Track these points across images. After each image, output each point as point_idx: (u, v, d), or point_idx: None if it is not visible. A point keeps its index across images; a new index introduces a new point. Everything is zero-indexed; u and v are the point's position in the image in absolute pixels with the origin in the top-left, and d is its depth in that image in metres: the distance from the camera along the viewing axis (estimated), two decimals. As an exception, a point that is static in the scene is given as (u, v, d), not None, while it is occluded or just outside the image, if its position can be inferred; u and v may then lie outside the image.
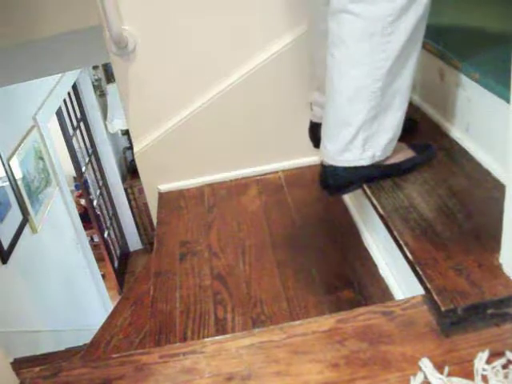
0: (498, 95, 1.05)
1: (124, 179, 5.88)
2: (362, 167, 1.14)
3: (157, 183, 1.81)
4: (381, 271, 1.30)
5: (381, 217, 1.11)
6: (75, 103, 5.04)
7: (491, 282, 0.87)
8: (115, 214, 5.92)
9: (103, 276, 5.24)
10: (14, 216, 3.28)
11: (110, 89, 5.29)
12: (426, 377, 0.79)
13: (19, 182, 3.41)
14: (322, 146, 1.17)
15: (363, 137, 1.09)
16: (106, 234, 5.52)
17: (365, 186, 1.18)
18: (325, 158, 1.16)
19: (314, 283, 1.31)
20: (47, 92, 4.02)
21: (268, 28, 1.59)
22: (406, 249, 0.99)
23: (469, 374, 0.79)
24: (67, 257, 4.22)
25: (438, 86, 1.34)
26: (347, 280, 1.29)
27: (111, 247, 5.67)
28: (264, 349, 0.90)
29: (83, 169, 5.13)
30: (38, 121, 3.79)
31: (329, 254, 1.40)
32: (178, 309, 1.29)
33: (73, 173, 5.19)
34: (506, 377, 0.77)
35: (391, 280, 1.24)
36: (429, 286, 0.89)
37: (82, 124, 5.20)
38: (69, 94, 4.76)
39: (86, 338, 2.51)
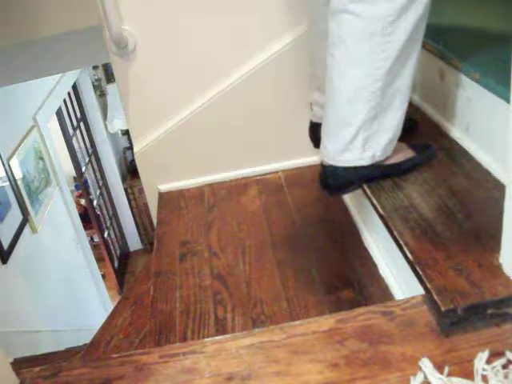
0: (498, 95, 1.05)
1: (124, 179, 5.88)
2: (362, 167, 1.14)
3: (157, 183, 1.81)
4: (381, 271, 1.30)
5: (381, 217, 1.11)
6: (75, 103, 5.04)
7: (491, 282, 0.87)
8: (115, 214, 5.92)
9: (103, 276, 5.24)
10: (14, 216, 3.28)
11: (110, 89, 5.29)
12: (426, 377, 0.79)
13: (19, 182, 3.41)
14: (322, 146, 1.17)
15: (363, 137, 1.09)
16: (106, 234, 5.52)
17: (365, 186, 1.18)
18: (325, 158, 1.16)
19: (314, 283, 1.31)
20: (47, 92, 4.02)
21: (268, 28, 1.60)
22: (405, 249, 0.99)
23: (469, 374, 0.79)
24: (67, 257, 4.21)
25: (438, 86, 1.34)
26: (347, 280, 1.29)
27: (111, 247, 5.67)
28: (264, 349, 0.90)
29: (83, 169, 5.13)
30: (38, 121, 3.79)
31: (329, 254, 1.40)
32: (178, 309, 1.29)
33: (73, 173, 5.19)
34: (506, 377, 0.77)
35: (391, 280, 1.24)
36: (429, 286, 0.89)
37: (81, 124, 5.20)
38: (69, 93, 4.76)
39: (86, 338, 2.51)
